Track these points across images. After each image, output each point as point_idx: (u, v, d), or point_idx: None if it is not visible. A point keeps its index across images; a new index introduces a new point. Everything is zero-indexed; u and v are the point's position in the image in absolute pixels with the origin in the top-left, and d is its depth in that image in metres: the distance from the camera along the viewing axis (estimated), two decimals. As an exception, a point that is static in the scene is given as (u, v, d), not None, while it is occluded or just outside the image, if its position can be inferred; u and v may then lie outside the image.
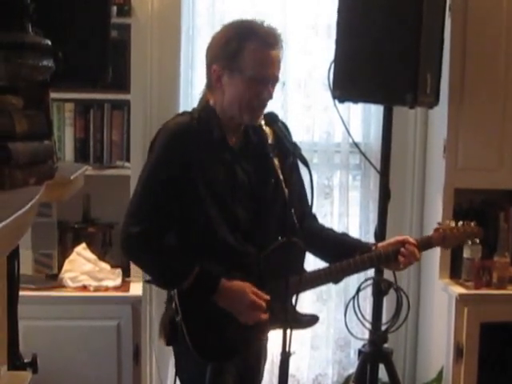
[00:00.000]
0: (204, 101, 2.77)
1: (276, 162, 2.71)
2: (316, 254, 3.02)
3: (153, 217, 2.64)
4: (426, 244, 3.04)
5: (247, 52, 2.62)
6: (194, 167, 2.63)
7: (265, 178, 2.75)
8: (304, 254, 2.75)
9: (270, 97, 2.69)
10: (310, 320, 2.91)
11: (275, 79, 2.70)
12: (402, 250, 2.91)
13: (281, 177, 2.66)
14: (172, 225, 2.70)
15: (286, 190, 2.61)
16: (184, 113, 2.79)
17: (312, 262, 3.08)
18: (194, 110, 2.80)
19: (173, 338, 2.71)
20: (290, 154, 2.53)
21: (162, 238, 2.67)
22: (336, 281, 2.95)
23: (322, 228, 3.04)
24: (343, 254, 2.87)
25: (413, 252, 2.92)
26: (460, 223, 3.10)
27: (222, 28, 2.74)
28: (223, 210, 2.68)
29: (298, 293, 2.51)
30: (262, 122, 2.77)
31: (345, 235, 3.12)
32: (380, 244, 2.99)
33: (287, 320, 2.48)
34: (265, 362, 2.99)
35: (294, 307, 2.60)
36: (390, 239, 3.03)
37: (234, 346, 2.73)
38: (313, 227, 2.96)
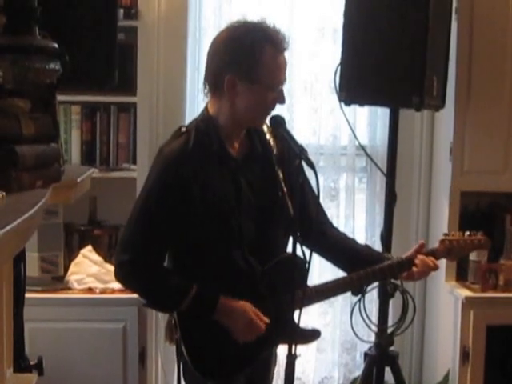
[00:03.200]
0: (205, 110, 2.73)
1: (280, 174, 2.70)
2: (335, 264, 2.99)
3: (144, 245, 2.63)
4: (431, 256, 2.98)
5: (264, 61, 2.58)
6: (193, 190, 2.60)
7: (270, 191, 2.72)
8: (306, 269, 2.73)
9: (284, 101, 2.70)
10: (312, 335, 2.89)
11: (285, 82, 2.69)
12: (416, 260, 2.87)
13: (285, 190, 2.65)
14: (167, 249, 2.69)
15: (290, 204, 2.60)
16: (181, 131, 2.70)
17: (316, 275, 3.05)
18: (193, 122, 2.76)
19: (176, 352, 2.71)
20: (296, 157, 2.52)
21: (154, 264, 2.66)
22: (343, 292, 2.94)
23: (344, 238, 2.99)
24: (362, 268, 2.85)
25: (424, 261, 2.87)
26: (467, 233, 3.01)
27: (229, 32, 2.66)
28: (227, 225, 2.65)
29: (301, 308, 2.48)
30: (265, 129, 2.76)
31: (366, 248, 3.01)
32: (404, 255, 2.93)
33: (293, 328, 2.48)
34: (274, 367, 2.97)
35: (297, 323, 2.58)
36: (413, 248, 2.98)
37: (235, 365, 2.71)
38: (334, 237, 2.93)
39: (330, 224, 2.98)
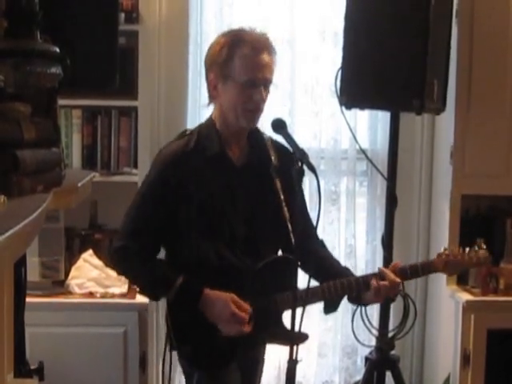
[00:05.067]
0: (210, 115, 2.84)
1: (278, 183, 2.74)
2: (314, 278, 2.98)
3: (137, 234, 2.75)
4: (423, 270, 2.91)
5: (237, 58, 2.69)
6: (189, 189, 2.70)
7: (264, 199, 2.79)
8: (296, 272, 2.73)
9: (262, 99, 2.73)
10: (299, 337, 2.87)
11: (267, 82, 2.73)
12: (373, 282, 2.79)
13: (282, 197, 2.69)
14: (161, 242, 2.81)
15: (286, 210, 2.67)
16: (185, 133, 2.85)
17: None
18: (197, 126, 2.87)
19: (167, 342, 2.81)
20: (297, 161, 2.53)
21: (146, 253, 2.77)
22: (331, 301, 2.91)
23: (327, 257, 2.99)
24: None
25: (381, 286, 2.78)
26: (467, 250, 2.93)
27: (216, 38, 2.82)
28: (219, 228, 2.73)
29: (294, 309, 2.46)
30: (265, 138, 2.81)
31: (347, 271, 2.97)
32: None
33: (291, 333, 2.48)
34: (262, 368, 3.02)
35: (282, 323, 2.61)
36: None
37: (220, 357, 2.76)
38: (315, 255, 2.91)
39: (316, 238, 2.96)
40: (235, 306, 2.68)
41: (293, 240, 2.59)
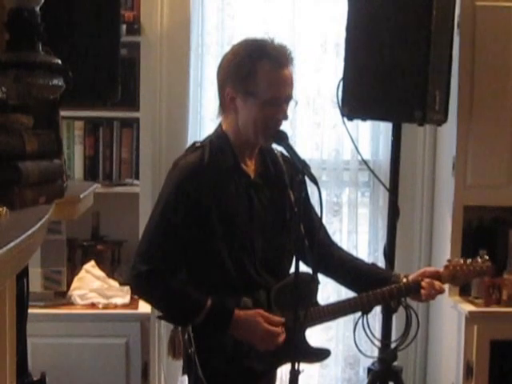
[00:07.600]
0: (219, 127, 2.75)
1: (292, 196, 2.70)
2: (344, 285, 3.04)
3: (162, 256, 2.63)
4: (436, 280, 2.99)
5: (260, 75, 2.59)
6: (208, 204, 2.61)
7: (279, 212, 2.74)
8: (316, 288, 2.72)
9: (286, 117, 2.66)
10: (321, 354, 2.89)
11: (289, 98, 2.67)
12: (423, 282, 2.89)
13: (295, 209, 2.65)
14: (183, 262, 2.69)
15: (302, 224, 2.58)
16: (196, 146, 2.73)
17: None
18: (207, 138, 2.77)
19: (187, 368, 2.71)
20: (298, 172, 2.53)
21: (171, 276, 2.66)
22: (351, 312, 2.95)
23: (351, 259, 3.01)
24: (370, 289, 2.88)
25: (431, 284, 2.90)
26: (469, 261, 2.99)
27: (233, 48, 2.71)
28: (240, 240, 2.67)
29: (305, 327, 2.47)
30: (275, 151, 2.78)
31: (374, 268, 3.04)
32: (411, 276, 2.95)
33: (296, 347, 2.47)
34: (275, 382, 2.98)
35: (306, 341, 2.57)
36: (420, 270, 3.02)
37: (249, 378, 2.71)
38: (342, 259, 2.96)
39: (336, 245, 3.02)
40: (265, 320, 2.64)
41: (309, 253, 2.56)
